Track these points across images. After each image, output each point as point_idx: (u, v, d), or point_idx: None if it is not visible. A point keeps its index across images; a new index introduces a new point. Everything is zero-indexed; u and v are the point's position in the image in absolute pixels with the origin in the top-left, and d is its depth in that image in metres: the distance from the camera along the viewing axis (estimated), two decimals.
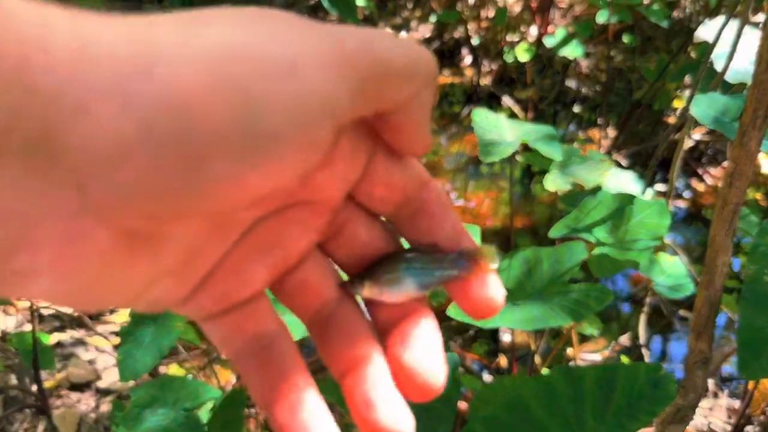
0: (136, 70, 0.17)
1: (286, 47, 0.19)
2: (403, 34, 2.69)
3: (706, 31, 1.30)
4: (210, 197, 0.18)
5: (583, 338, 1.53)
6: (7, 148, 0.15)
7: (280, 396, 0.24)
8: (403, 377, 0.25)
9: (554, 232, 0.97)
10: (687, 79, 1.91)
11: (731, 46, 1.16)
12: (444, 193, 0.28)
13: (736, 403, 1.35)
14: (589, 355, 1.48)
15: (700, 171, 2.03)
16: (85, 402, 1.32)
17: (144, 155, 0.17)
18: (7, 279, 0.18)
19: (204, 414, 0.82)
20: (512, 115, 2.09)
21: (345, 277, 0.28)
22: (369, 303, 0.27)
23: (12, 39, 0.15)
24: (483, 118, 1.20)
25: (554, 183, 1.21)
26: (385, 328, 0.27)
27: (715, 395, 1.37)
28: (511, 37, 2.43)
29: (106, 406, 1.30)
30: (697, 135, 1.73)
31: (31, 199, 0.16)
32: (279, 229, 0.25)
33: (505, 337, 1.46)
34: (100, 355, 1.48)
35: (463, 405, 1.09)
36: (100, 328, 1.55)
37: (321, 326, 0.27)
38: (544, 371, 1.23)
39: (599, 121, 2.23)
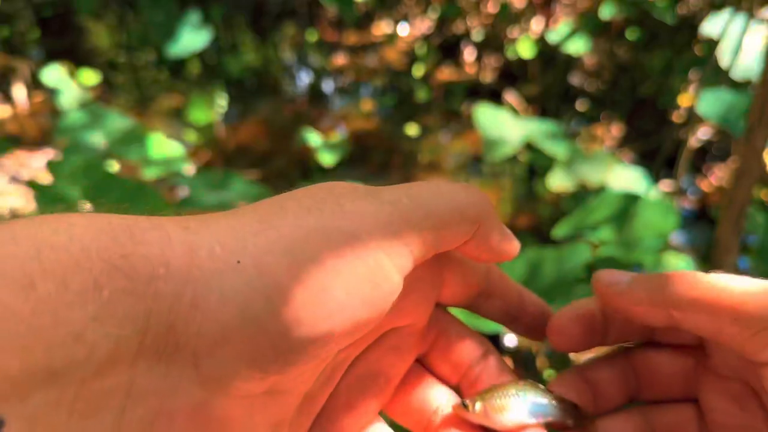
0: (229, 265, 0.21)
1: (350, 221, 0.23)
2: (403, 27, 2.67)
3: (711, 27, 1.28)
4: (300, 356, 0.22)
5: None
6: (143, 345, 0.19)
7: None
8: None
9: (558, 232, 0.95)
10: (692, 75, 1.89)
11: (737, 41, 1.14)
12: (499, 270, 0.32)
13: None
14: (593, 357, 1.46)
15: (705, 169, 2.01)
16: None
17: (243, 334, 0.20)
18: None
19: None
20: (514, 112, 2.08)
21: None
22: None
23: (142, 258, 0.19)
24: (486, 116, 1.18)
25: (558, 182, 1.19)
26: None
27: None
28: (513, 32, 2.41)
29: None
30: (702, 134, 1.72)
31: (161, 380, 0.20)
32: (377, 359, 0.29)
33: (508, 341, 1.44)
34: None
35: None
36: None
37: None
38: (548, 374, 1.21)
39: (603, 117, 2.21)
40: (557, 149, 1.20)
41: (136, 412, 0.20)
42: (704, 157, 2.03)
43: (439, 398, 0.30)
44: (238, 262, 0.21)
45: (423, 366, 0.31)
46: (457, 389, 0.31)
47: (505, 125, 1.21)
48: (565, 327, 0.30)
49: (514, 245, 0.28)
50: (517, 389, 0.28)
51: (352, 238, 0.22)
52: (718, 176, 2.00)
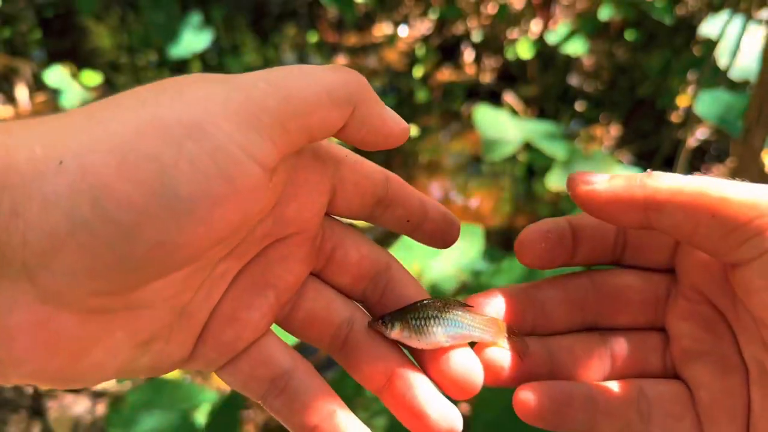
0: (50, 168, 0.18)
1: (192, 110, 0.20)
2: (402, 28, 2.68)
3: (709, 28, 1.29)
4: (149, 265, 0.20)
5: None
6: None
7: (315, 428, 0.26)
8: (446, 381, 0.26)
9: None
10: (690, 75, 1.89)
11: (735, 42, 1.15)
12: (399, 178, 0.30)
13: None
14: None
15: (703, 169, 2.02)
16: (81, 404, 1.31)
17: (74, 242, 0.18)
18: None
19: (200, 416, 0.81)
20: (513, 113, 2.08)
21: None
22: None
23: None
24: (485, 116, 1.19)
25: (557, 182, 1.20)
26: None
27: None
28: (512, 33, 2.42)
29: (101, 408, 1.29)
30: (701, 134, 1.72)
31: None
32: (263, 271, 0.27)
33: None
34: None
35: (465, 408, 1.08)
36: None
37: (341, 350, 0.28)
38: None
39: (602, 118, 2.22)
40: (556, 149, 1.20)
41: None
42: (702, 157, 2.03)
43: (342, 312, 0.28)
44: (61, 162, 0.18)
45: (322, 281, 0.29)
46: (363, 303, 0.29)
47: (505, 126, 1.21)
48: (532, 242, 0.29)
49: (401, 124, 0.26)
50: (438, 309, 0.27)
51: (194, 128, 0.20)
52: (716, 176, 2.00)
